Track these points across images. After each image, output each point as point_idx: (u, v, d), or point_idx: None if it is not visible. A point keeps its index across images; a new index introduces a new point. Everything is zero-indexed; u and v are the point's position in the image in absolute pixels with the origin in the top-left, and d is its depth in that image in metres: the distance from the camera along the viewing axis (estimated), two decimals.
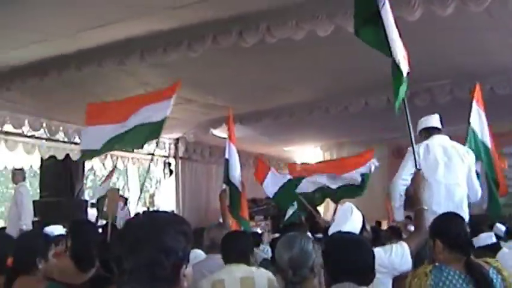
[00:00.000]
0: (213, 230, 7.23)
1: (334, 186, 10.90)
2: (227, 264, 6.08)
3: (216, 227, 7.37)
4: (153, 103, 8.93)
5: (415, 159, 6.56)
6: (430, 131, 7.75)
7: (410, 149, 6.89)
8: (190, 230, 2.83)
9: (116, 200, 10.74)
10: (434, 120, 7.87)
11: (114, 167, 16.17)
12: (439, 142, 7.54)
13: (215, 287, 5.87)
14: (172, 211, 15.23)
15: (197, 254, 7.83)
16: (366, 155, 11.00)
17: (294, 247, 4.79)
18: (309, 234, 8.58)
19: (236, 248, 6.15)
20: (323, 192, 11.11)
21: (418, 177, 6.33)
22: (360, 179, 10.69)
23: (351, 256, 4.02)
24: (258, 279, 5.71)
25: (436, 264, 4.89)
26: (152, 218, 2.88)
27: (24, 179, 14.46)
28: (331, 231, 5.98)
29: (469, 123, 8.72)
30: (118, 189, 11.38)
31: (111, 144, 9.15)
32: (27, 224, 13.52)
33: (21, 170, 14.68)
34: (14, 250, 4.97)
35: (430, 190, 7.04)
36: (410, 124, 6.29)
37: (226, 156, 9.66)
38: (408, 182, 7.26)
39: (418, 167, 6.48)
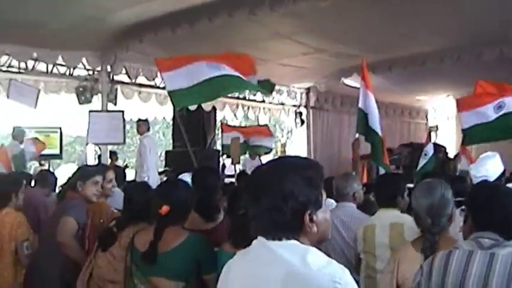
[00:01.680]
0: (338, 179, 7.21)
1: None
2: (380, 209, 6.10)
3: (342, 176, 7.35)
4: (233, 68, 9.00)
5: None
6: None
7: None
8: (318, 174, 2.78)
9: (238, 148, 10.83)
10: None
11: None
12: None
13: (367, 231, 5.95)
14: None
15: (328, 203, 7.86)
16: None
17: (434, 194, 4.71)
18: None
19: (385, 192, 6.14)
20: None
21: None
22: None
23: (504, 207, 3.90)
24: (407, 224, 5.65)
25: None
26: (275, 164, 2.88)
27: (148, 129, 14.83)
28: (472, 169, 5.93)
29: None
30: (239, 138, 11.43)
31: (205, 87, 8.94)
32: (150, 175, 13.87)
33: (145, 120, 15.03)
34: (170, 201, 5.00)
35: None
36: None
37: (360, 105, 9.57)
38: None
39: None
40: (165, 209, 4.74)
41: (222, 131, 13.57)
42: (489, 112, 10.32)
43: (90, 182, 6.75)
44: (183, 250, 4.70)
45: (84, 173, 6.96)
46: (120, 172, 9.66)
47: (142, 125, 14.81)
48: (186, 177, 6.65)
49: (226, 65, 9.03)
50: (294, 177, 2.68)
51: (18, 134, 14.98)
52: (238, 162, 11.25)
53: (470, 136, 10.95)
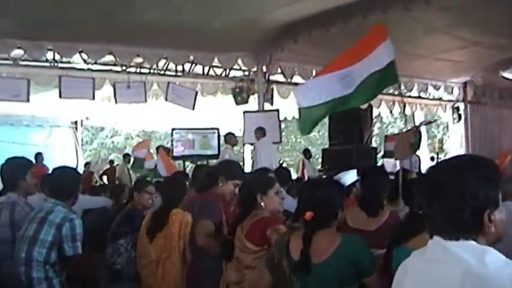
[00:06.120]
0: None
1: None
2: None
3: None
4: (367, 55, 8.43)
5: None
6: None
7: None
8: (496, 173, 2.72)
9: (407, 144, 10.69)
10: None
11: None
12: None
13: None
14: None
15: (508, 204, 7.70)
16: None
17: None
18: None
19: None
20: None
21: None
22: None
23: None
24: None
25: None
26: (452, 163, 2.84)
27: (264, 135, 14.46)
28: None
29: None
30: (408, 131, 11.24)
31: (329, 107, 8.24)
32: None
33: (262, 128, 14.58)
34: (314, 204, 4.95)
35: None
36: None
37: None
38: None
39: None
40: (308, 215, 4.58)
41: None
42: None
43: (231, 183, 6.83)
44: (339, 256, 4.59)
45: (227, 171, 7.05)
46: (285, 172, 9.65)
47: (259, 132, 14.75)
48: (351, 174, 6.64)
49: (358, 60, 8.59)
50: (475, 176, 2.64)
51: (230, 139, 15.57)
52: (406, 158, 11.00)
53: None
